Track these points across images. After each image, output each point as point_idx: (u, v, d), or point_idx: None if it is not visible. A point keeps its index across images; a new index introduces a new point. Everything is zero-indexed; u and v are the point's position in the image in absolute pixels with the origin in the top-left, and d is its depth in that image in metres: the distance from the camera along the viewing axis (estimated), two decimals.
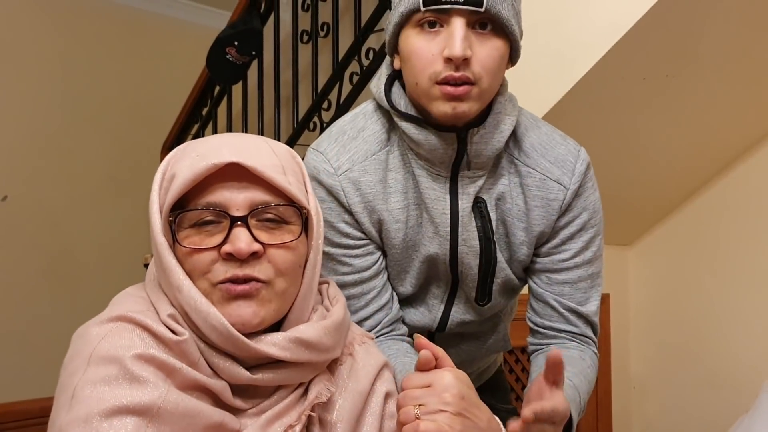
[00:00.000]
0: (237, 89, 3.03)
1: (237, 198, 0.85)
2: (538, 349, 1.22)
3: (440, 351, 0.90)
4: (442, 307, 1.22)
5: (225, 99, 3.10)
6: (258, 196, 0.86)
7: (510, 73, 1.13)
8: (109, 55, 3.70)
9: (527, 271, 1.23)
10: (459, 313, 1.23)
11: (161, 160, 3.34)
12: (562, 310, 1.19)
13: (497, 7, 0.99)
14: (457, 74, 0.99)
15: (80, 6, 3.61)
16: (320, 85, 2.55)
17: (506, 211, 1.15)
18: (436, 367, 0.88)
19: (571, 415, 0.97)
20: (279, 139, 2.74)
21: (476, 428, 0.86)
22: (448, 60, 0.99)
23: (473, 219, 1.13)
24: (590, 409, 2.49)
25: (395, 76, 1.13)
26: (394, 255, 1.16)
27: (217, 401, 0.84)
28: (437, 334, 1.25)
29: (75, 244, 3.56)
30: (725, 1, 1.79)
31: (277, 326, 0.90)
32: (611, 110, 2.02)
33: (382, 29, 2.27)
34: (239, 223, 0.84)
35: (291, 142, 2.69)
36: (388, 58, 1.15)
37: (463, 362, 1.30)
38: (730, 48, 1.95)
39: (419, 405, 0.84)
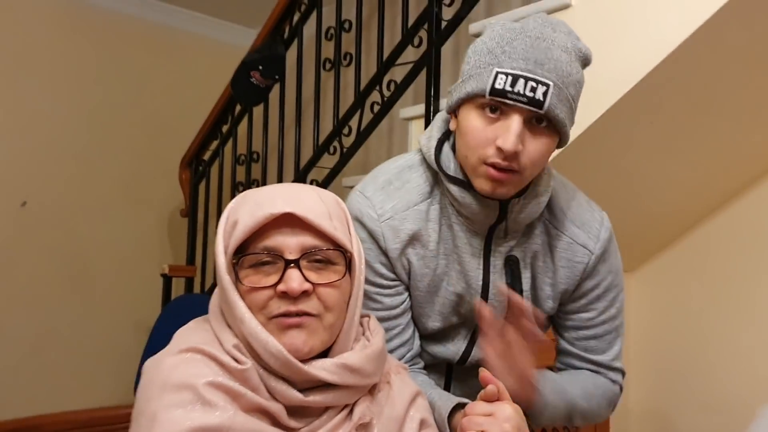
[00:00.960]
0: (258, 110, 3.11)
1: (290, 243, 0.96)
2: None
3: (501, 385, 1.01)
4: (465, 344, 1.30)
5: (246, 118, 3.18)
6: (308, 240, 0.96)
7: None
8: (131, 68, 3.74)
9: (556, 327, 1.32)
10: (480, 352, 1.30)
11: (180, 174, 3.42)
12: (587, 364, 1.29)
13: (555, 111, 1.05)
14: (504, 164, 1.07)
15: (104, 19, 3.65)
16: (341, 112, 2.65)
17: (537, 269, 1.23)
18: (497, 399, 1.00)
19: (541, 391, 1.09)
20: (299, 161, 2.86)
21: None
22: (500, 149, 1.06)
23: (504, 276, 1.22)
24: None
25: (445, 137, 1.21)
26: (418, 296, 1.25)
27: (275, 422, 0.95)
28: (456, 366, 1.34)
29: (90, 251, 3.60)
30: (726, 55, 1.90)
31: (323, 355, 1.00)
32: (620, 150, 2.12)
33: (404, 63, 2.40)
34: (292, 265, 0.95)
35: (311, 165, 2.80)
36: (442, 115, 1.23)
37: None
38: (731, 96, 2.06)
39: (482, 431, 0.96)
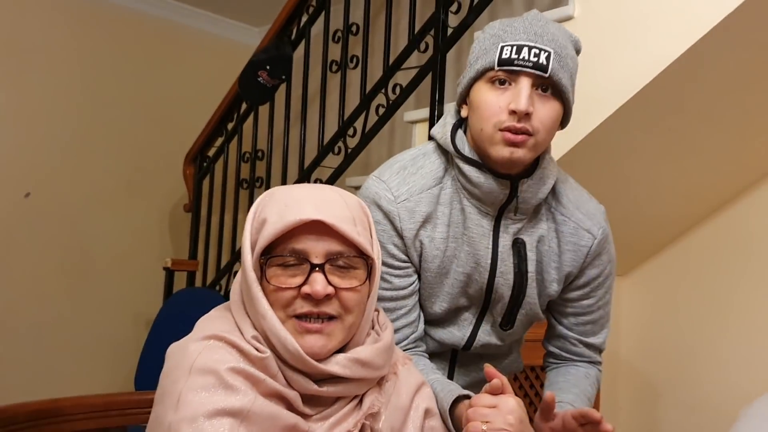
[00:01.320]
0: (263, 108, 3.17)
1: (316, 247, 1.01)
2: (554, 368, 1.41)
3: (505, 379, 1.08)
4: (471, 328, 1.37)
5: (251, 116, 3.23)
6: (333, 246, 1.01)
7: None
8: (136, 64, 3.77)
9: (555, 314, 1.41)
10: (485, 335, 1.38)
11: (184, 170, 3.49)
12: (580, 346, 1.38)
13: (559, 75, 1.17)
14: (519, 125, 1.16)
15: (111, 14, 3.68)
16: (347, 113, 2.72)
17: (543, 252, 1.32)
18: (501, 392, 1.07)
19: None
20: (304, 160, 2.92)
21: None
22: (513, 112, 1.16)
23: (511, 256, 1.29)
24: None
25: (458, 124, 1.29)
26: (428, 278, 1.31)
27: (290, 407, 1.01)
28: (461, 352, 1.41)
29: (92, 244, 3.62)
30: (723, 69, 1.98)
31: (340, 349, 1.06)
32: (617, 157, 2.19)
33: (410, 67, 2.47)
34: (317, 269, 1.00)
35: (315, 164, 2.86)
36: (453, 106, 1.32)
37: (483, 382, 1.47)
38: (725, 107, 2.13)
39: (486, 422, 1.03)
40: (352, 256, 1.03)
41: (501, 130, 1.17)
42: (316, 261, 1.00)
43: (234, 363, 0.98)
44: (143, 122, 3.81)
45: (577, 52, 1.25)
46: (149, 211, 3.87)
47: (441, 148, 1.31)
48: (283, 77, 2.98)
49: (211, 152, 3.52)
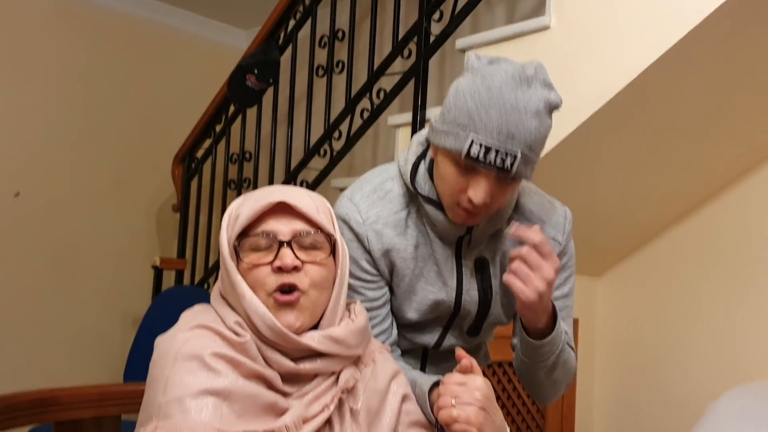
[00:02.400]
0: (251, 111, 3.24)
1: (284, 228, 1.12)
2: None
3: (474, 361, 1.16)
4: (439, 333, 1.45)
5: (239, 118, 3.30)
6: (299, 226, 1.13)
7: None
8: (125, 65, 3.81)
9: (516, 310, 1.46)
10: (452, 340, 1.46)
11: (172, 171, 3.54)
12: None
13: (521, 174, 1.20)
14: (474, 212, 1.24)
15: (101, 16, 3.72)
16: (332, 116, 2.79)
17: (506, 265, 1.36)
18: (470, 372, 1.14)
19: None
20: (290, 162, 3.00)
21: (493, 424, 1.11)
22: (469, 200, 1.21)
23: (474, 275, 1.38)
24: (556, 423, 2.73)
25: (421, 158, 1.36)
26: (398, 293, 1.41)
27: (271, 386, 1.09)
28: (431, 351, 1.49)
29: (81, 243, 3.65)
30: (691, 77, 2.08)
31: (314, 329, 1.15)
32: (590, 163, 2.28)
33: (394, 73, 2.55)
34: (285, 245, 1.11)
35: (301, 165, 2.94)
36: (417, 139, 1.38)
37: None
38: (694, 114, 2.23)
39: (455, 397, 1.11)
40: (316, 233, 1.14)
41: (458, 205, 1.24)
42: (283, 238, 1.11)
43: (216, 348, 1.07)
44: (132, 123, 3.84)
45: (554, 109, 1.23)
46: (138, 211, 3.92)
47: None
48: (271, 81, 3.05)
49: (200, 153, 3.57)
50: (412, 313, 1.41)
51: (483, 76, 1.21)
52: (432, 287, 1.38)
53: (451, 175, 1.23)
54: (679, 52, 1.92)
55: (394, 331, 1.43)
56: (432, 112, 2.33)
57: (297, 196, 1.15)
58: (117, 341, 3.64)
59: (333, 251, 1.16)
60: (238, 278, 1.11)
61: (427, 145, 1.37)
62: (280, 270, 1.10)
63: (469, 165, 1.20)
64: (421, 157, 1.37)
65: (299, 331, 1.11)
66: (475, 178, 1.21)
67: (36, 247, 3.52)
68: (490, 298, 1.40)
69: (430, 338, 1.46)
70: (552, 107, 1.22)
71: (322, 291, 1.14)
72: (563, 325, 1.38)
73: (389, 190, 1.38)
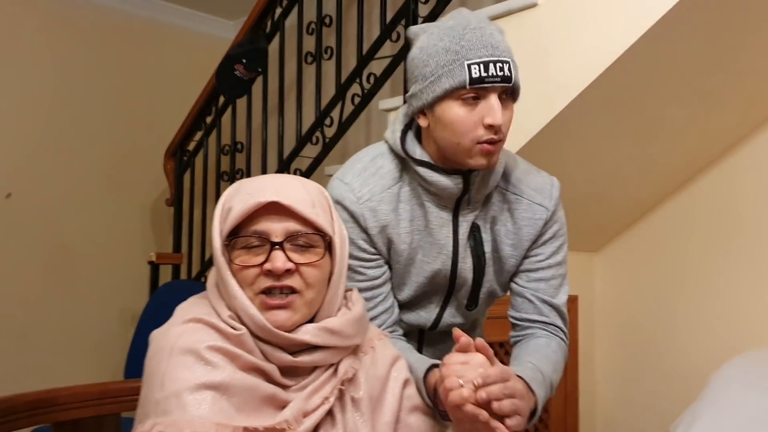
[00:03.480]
0: (241, 101, 3.22)
1: (276, 227, 1.09)
2: (518, 340, 1.46)
3: (471, 339, 1.15)
4: (437, 310, 1.46)
5: (230, 109, 3.28)
6: (292, 226, 1.09)
7: None
8: (112, 60, 3.78)
9: (512, 277, 1.47)
10: (449, 317, 1.47)
11: (164, 164, 3.52)
12: (537, 303, 1.43)
13: (518, 81, 1.25)
14: (496, 137, 1.24)
15: (87, 12, 3.69)
16: (323, 103, 2.78)
17: (496, 232, 1.40)
18: (470, 350, 1.14)
19: (534, 391, 1.20)
20: (283, 151, 2.98)
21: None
22: (489, 126, 1.23)
23: (469, 241, 1.38)
24: (559, 400, 2.74)
25: (407, 128, 1.37)
26: (397, 269, 1.41)
27: (269, 379, 1.08)
28: (428, 332, 1.50)
29: (75, 241, 3.64)
30: (679, 48, 2.06)
31: (310, 321, 1.13)
32: (583, 138, 2.27)
33: (383, 57, 2.53)
34: (277, 247, 1.08)
35: (294, 154, 2.92)
36: (401, 112, 1.38)
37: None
38: (684, 87, 2.22)
39: (460, 376, 1.10)
40: (311, 234, 1.10)
41: (479, 143, 1.25)
42: (275, 239, 1.08)
43: (212, 341, 1.05)
44: (122, 118, 3.82)
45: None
46: (132, 207, 3.90)
47: (394, 151, 1.38)
48: (259, 70, 3.03)
49: (191, 146, 3.55)
50: (410, 289, 1.41)
51: (433, 28, 1.30)
52: (428, 258, 1.39)
53: (461, 115, 1.25)
54: (665, 26, 1.91)
55: (396, 310, 1.43)
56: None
57: (291, 192, 1.11)
58: (116, 339, 3.63)
59: (329, 248, 1.13)
60: (228, 277, 1.09)
61: (412, 117, 1.37)
62: (270, 272, 1.08)
63: (473, 94, 1.23)
64: (408, 126, 1.38)
65: (293, 327, 1.10)
66: (484, 105, 1.24)
67: (30, 247, 3.50)
68: (484, 264, 1.40)
69: (427, 317, 1.46)
70: (501, 31, 1.30)
71: (317, 289, 1.12)
72: (556, 299, 1.42)
73: (380, 167, 1.38)
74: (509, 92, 1.26)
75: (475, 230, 1.39)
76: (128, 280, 3.78)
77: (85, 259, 3.68)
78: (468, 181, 1.33)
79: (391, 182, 1.37)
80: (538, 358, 1.34)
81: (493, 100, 1.23)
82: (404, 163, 1.37)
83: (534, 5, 2.15)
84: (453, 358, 1.14)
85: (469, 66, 1.21)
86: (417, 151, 1.34)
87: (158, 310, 3.05)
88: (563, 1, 2.10)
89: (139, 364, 1.11)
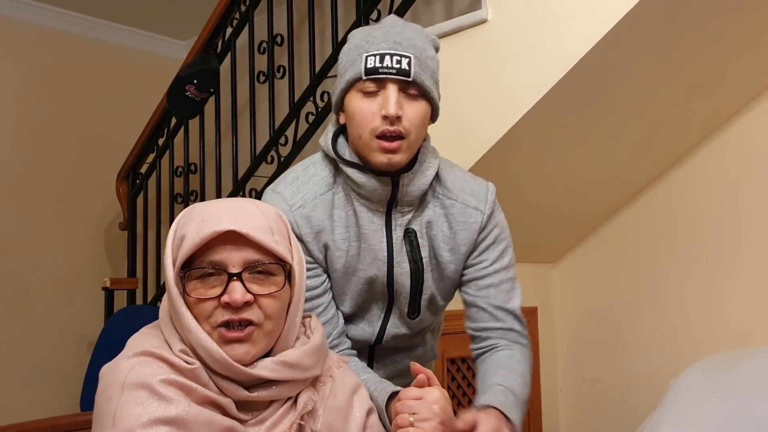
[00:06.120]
0: (194, 122, 3.18)
1: (233, 257, 1.04)
2: (479, 354, 1.45)
3: (430, 373, 1.15)
4: (380, 322, 1.44)
5: (182, 130, 3.24)
6: (250, 255, 1.05)
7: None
8: (63, 82, 3.74)
9: (460, 287, 1.47)
10: (394, 327, 1.45)
11: (117, 188, 3.44)
12: (492, 309, 1.42)
13: (421, 78, 1.26)
14: (392, 128, 1.25)
15: (35, 34, 3.64)
16: (277, 122, 2.75)
17: (433, 237, 1.40)
18: (427, 386, 1.14)
19: (510, 418, 1.21)
20: (237, 171, 2.95)
21: None
22: (385, 117, 1.25)
23: (404, 246, 1.38)
24: None
25: (339, 131, 1.38)
26: (335, 278, 1.39)
27: (225, 413, 1.04)
28: (376, 347, 1.48)
29: (25, 269, 3.57)
30: (626, 62, 2.10)
31: (266, 354, 1.09)
32: (537, 151, 2.29)
33: (335, 75, 2.53)
34: (235, 278, 1.03)
35: (249, 174, 2.89)
36: (333, 116, 1.39)
37: (402, 372, 1.52)
38: (635, 97, 2.25)
39: (413, 413, 1.10)
40: (269, 263, 1.06)
41: (377, 137, 1.26)
42: (233, 270, 1.03)
43: (165, 375, 1.01)
44: (73, 141, 3.78)
45: (436, 50, 1.34)
46: (85, 232, 3.84)
47: (328, 157, 1.39)
48: (212, 90, 2.99)
49: (144, 168, 3.50)
50: (350, 300, 1.40)
51: (361, 29, 1.35)
52: (363, 264, 1.38)
53: (361, 105, 1.27)
54: (614, 38, 1.94)
55: (341, 320, 1.41)
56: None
57: (248, 219, 1.06)
58: (73, 367, 3.54)
59: (288, 276, 1.10)
60: (183, 310, 1.04)
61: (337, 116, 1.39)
62: (228, 305, 1.03)
63: (372, 86, 1.26)
64: (339, 132, 1.39)
65: (252, 360, 1.06)
66: (382, 96, 1.26)
67: None
68: (421, 269, 1.40)
69: (371, 331, 1.44)
70: (432, 40, 1.34)
71: (276, 320, 1.08)
72: (509, 304, 1.42)
73: (312, 174, 1.39)
74: (418, 90, 1.27)
75: (410, 235, 1.38)
76: (83, 307, 3.71)
77: (38, 286, 3.61)
78: (396, 183, 1.33)
79: (325, 188, 1.37)
80: (504, 376, 1.34)
81: (391, 90, 1.25)
82: (337, 168, 1.37)
83: (484, 21, 2.16)
84: (408, 393, 1.14)
85: (366, 57, 1.25)
86: (347, 153, 1.35)
87: (113, 336, 2.98)
88: (513, 17, 2.13)
89: (94, 393, 1.07)
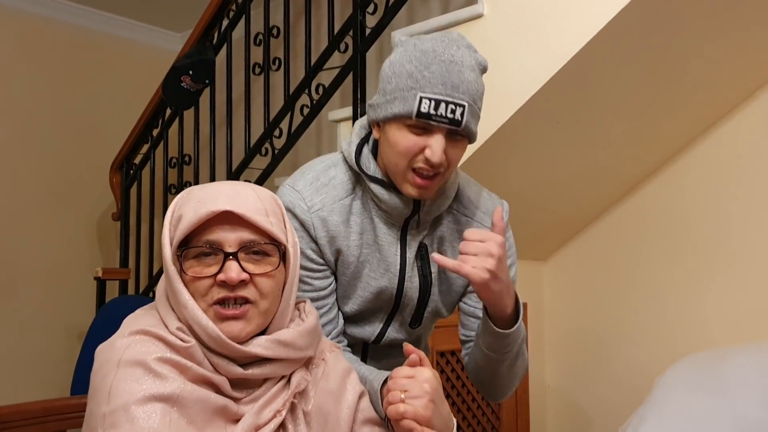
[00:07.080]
0: (188, 113, 3.18)
1: (230, 237, 1.06)
2: (468, 353, 1.47)
3: (422, 354, 1.16)
4: (380, 326, 1.45)
5: (177, 121, 3.24)
6: (246, 235, 1.07)
7: None
8: (58, 73, 3.73)
9: (461, 300, 1.47)
10: (393, 332, 1.46)
11: (110, 178, 3.45)
12: None
13: (470, 126, 1.24)
14: (430, 172, 1.24)
15: (31, 24, 3.63)
16: (272, 114, 2.76)
17: (444, 252, 1.40)
18: (419, 365, 1.15)
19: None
20: (231, 163, 2.95)
21: (440, 415, 1.12)
22: (428, 160, 1.22)
23: (416, 261, 1.39)
24: (510, 406, 2.76)
25: (363, 141, 1.36)
26: (343, 281, 1.40)
27: (219, 391, 1.06)
28: (372, 345, 1.49)
29: (19, 258, 3.56)
30: (625, 57, 2.12)
31: (261, 333, 1.12)
32: (530, 148, 2.31)
33: (331, 68, 2.54)
34: (231, 257, 1.06)
35: (243, 166, 2.89)
36: (359, 123, 1.38)
37: (394, 368, 1.52)
38: (628, 95, 2.28)
39: (404, 390, 1.11)
40: (265, 243, 1.09)
41: (413, 169, 1.25)
42: (229, 249, 1.06)
43: (160, 353, 1.03)
44: (67, 132, 3.77)
45: (484, 72, 1.30)
46: (77, 222, 3.83)
47: (349, 163, 1.38)
48: (207, 81, 2.99)
49: (138, 159, 3.50)
50: (354, 303, 1.41)
51: (413, 44, 1.27)
52: (375, 274, 1.38)
53: (404, 140, 1.24)
54: (609, 34, 1.96)
55: (341, 321, 1.42)
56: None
57: (244, 200, 1.08)
58: (63, 356, 3.55)
59: (283, 257, 1.12)
60: (180, 287, 1.07)
61: (370, 129, 1.36)
62: (224, 283, 1.05)
63: (420, 125, 1.22)
64: (365, 140, 1.37)
65: (247, 338, 1.08)
66: (428, 138, 1.23)
67: None
68: (430, 284, 1.41)
69: (371, 331, 1.45)
70: (482, 67, 1.28)
71: (272, 299, 1.10)
72: None
73: (333, 177, 1.37)
74: (464, 134, 1.25)
75: (422, 250, 1.39)
76: (75, 297, 3.71)
77: (31, 276, 3.61)
78: (418, 202, 1.33)
79: (344, 194, 1.36)
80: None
81: (437, 137, 1.22)
82: (358, 176, 1.36)
83: (480, 16, 2.18)
84: (400, 372, 1.15)
85: (421, 99, 1.20)
86: (371, 167, 1.33)
87: (105, 326, 2.96)
88: (509, 12, 2.14)
89: (85, 380, 1.08)
